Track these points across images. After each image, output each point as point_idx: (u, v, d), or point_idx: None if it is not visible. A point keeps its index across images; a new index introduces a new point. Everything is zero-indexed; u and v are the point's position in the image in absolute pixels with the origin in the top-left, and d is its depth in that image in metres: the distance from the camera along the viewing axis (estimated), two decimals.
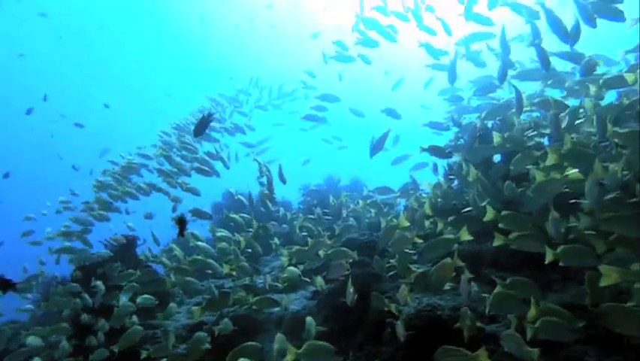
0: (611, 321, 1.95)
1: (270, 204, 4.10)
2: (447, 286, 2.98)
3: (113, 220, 5.24)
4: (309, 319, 3.09)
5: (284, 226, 5.28)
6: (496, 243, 2.71)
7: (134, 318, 3.44)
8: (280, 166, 4.17)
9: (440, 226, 3.25)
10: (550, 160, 2.71)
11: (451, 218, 3.36)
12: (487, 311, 2.36)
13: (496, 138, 3.43)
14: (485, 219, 2.87)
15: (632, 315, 1.86)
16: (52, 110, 28.90)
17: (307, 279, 3.69)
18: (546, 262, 2.36)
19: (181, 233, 2.55)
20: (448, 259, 2.60)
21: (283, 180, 4.13)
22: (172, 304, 3.89)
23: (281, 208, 7.45)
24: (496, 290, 2.35)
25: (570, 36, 3.13)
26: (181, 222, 2.53)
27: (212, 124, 5.98)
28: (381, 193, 5.13)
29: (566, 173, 2.50)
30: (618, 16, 3.26)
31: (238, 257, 3.58)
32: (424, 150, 4.00)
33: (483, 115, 4.07)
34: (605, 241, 2.35)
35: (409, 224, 3.20)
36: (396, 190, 5.03)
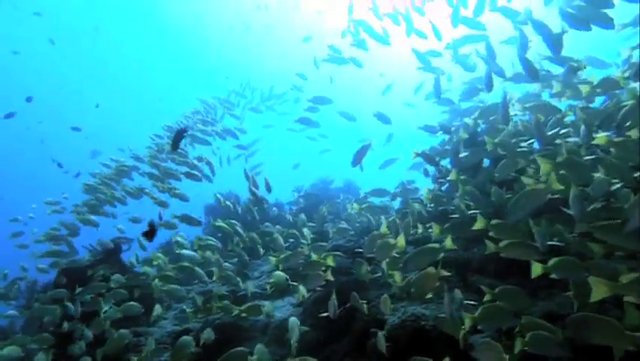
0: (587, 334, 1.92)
1: (255, 213, 4.08)
2: (433, 294, 2.98)
3: (102, 223, 5.20)
4: (292, 319, 3.07)
5: (277, 226, 5.26)
6: (488, 251, 2.67)
7: (109, 328, 3.38)
8: (266, 179, 4.17)
9: (436, 230, 3.24)
10: (543, 170, 2.68)
11: (446, 225, 3.34)
12: (467, 327, 2.31)
13: (489, 142, 3.41)
14: (475, 227, 2.85)
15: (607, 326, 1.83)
16: (52, 111, 28.89)
17: (295, 283, 3.66)
18: (533, 277, 2.32)
19: (150, 239, 2.59)
20: (432, 269, 2.58)
21: (268, 189, 4.12)
22: (157, 306, 3.81)
23: (274, 208, 7.44)
24: (483, 306, 2.30)
25: (554, 45, 3.12)
26: (150, 229, 2.58)
27: (204, 128, 5.98)
28: (376, 195, 5.09)
29: (550, 182, 2.47)
30: (607, 24, 3.25)
31: (221, 267, 3.54)
32: (417, 155, 4.06)
33: (476, 115, 4.07)
34: (603, 245, 2.33)
35: (390, 232, 3.18)
36: (392, 192, 4.98)
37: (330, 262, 3.13)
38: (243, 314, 3.47)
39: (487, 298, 2.49)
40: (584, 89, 3.32)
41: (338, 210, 6.91)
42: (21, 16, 22.93)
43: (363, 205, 4.86)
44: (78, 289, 3.72)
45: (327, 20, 17.86)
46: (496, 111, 3.89)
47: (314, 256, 3.27)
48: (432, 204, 4.18)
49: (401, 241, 2.90)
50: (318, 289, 3.28)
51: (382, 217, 4.45)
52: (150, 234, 2.63)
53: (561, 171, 2.63)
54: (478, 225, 2.82)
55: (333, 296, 2.79)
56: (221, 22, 25.18)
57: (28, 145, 28.25)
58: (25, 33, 24.55)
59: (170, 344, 3.58)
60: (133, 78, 29.70)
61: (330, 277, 3.07)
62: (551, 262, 2.27)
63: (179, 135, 3.11)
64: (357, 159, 3.56)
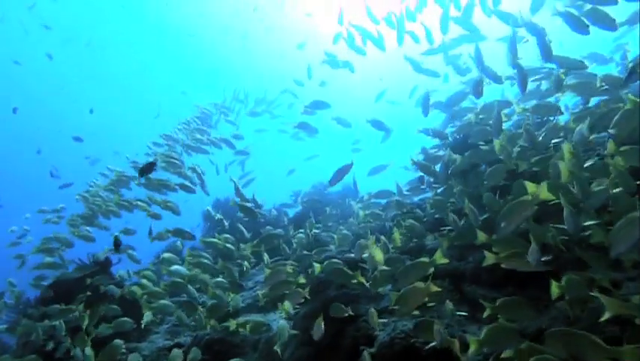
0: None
1: (245, 232, 4.05)
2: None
3: (96, 233, 5.18)
4: (282, 322, 3.03)
5: (279, 230, 5.20)
6: (487, 262, 2.59)
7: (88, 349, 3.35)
8: (253, 195, 4.15)
9: (445, 243, 3.19)
10: (564, 177, 2.58)
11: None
12: (472, 352, 2.21)
13: (497, 143, 3.33)
14: (478, 242, 2.78)
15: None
16: (51, 112, 29.06)
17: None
18: (553, 298, 2.26)
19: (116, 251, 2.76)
20: (420, 284, 2.50)
21: (257, 206, 4.09)
22: (148, 313, 3.72)
23: (273, 210, 7.42)
24: (487, 328, 2.19)
25: (544, 54, 3.06)
26: (116, 245, 2.78)
27: (200, 137, 5.96)
28: (380, 197, 4.94)
29: (537, 192, 2.38)
30: (610, 25, 3.17)
31: (209, 286, 3.50)
32: (414, 163, 4.03)
33: (478, 110, 4.00)
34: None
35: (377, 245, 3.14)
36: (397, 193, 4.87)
37: (302, 280, 3.10)
38: (240, 329, 3.44)
39: (487, 312, 2.39)
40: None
41: (337, 217, 6.86)
42: (21, 15, 22.99)
43: (367, 211, 4.80)
44: (61, 306, 3.67)
45: (322, 24, 17.85)
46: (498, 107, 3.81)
47: (317, 267, 3.23)
48: (432, 210, 4.12)
49: (379, 255, 2.86)
50: (309, 303, 3.23)
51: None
52: (115, 247, 2.84)
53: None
54: (480, 240, 2.75)
55: (319, 320, 2.73)
56: (219, 23, 25.24)
57: (27, 147, 28.43)
58: (24, 33, 24.61)
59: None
60: (132, 79, 29.83)
61: (307, 295, 3.04)
62: (565, 279, 2.21)
63: (148, 167, 3.20)
64: (337, 178, 3.47)
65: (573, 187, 2.47)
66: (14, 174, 30.30)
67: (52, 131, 26.97)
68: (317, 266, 3.26)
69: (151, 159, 3.29)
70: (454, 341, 2.33)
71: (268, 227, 5.76)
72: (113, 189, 5.29)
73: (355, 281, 3.03)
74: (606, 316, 1.87)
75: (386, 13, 5.16)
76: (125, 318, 3.70)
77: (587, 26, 3.15)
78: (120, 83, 29.53)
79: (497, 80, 3.81)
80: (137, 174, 5.42)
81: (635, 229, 1.69)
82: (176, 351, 3.27)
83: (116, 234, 2.82)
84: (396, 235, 3.38)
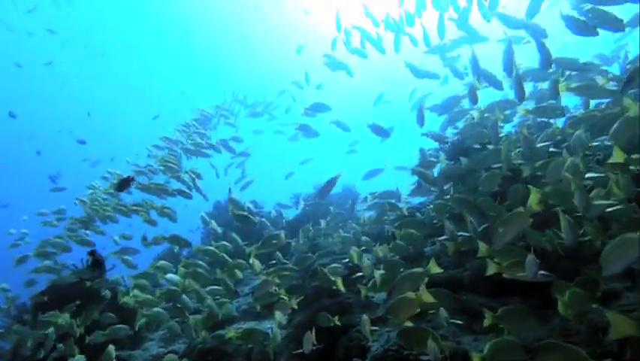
0: None
1: (239, 240, 4.02)
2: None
3: (94, 237, 5.16)
4: (276, 330, 3.02)
5: (280, 231, 5.14)
6: (489, 272, 2.53)
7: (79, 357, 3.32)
8: (249, 205, 4.12)
9: (451, 249, 3.14)
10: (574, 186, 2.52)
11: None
12: None
13: (504, 149, 3.27)
14: (479, 255, 2.73)
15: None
16: (52, 114, 29.13)
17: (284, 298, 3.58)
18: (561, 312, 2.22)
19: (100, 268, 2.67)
20: (411, 294, 2.45)
21: (252, 214, 4.06)
22: (142, 320, 3.70)
23: (273, 212, 7.38)
24: (491, 343, 2.12)
25: (543, 61, 3.01)
26: (97, 263, 2.83)
27: (200, 141, 5.93)
28: (384, 198, 4.78)
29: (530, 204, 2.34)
30: (616, 27, 3.10)
31: (201, 296, 3.47)
32: (415, 172, 4.00)
33: (483, 108, 3.96)
34: None
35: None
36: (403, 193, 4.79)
37: (283, 292, 3.09)
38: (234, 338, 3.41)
39: (488, 321, 2.34)
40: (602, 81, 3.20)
41: (341, 216, 6.80)
42: (23, 17, 23.00)
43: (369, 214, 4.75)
44: (48, 314, 3.64)
45: (322, 23, 17.79)
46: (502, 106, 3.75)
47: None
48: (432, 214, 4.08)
49: (366, 263, 2.83)
50: (304, 311, 3.20)
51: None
52: (98, 265, 2.84)
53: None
54: (481, 251, 2.70)
55: (308, 334, 2.69)
56: (219, 23, 25.25)
57: (27, 148, 28.52)
58: (25, 35, 24.64)
59: None
60: (133, 79, 29.87)
61: (295, 306, 3.03)
62: (566, 296, 2.17)
63: (125, 182, 3.18)
64: (325, 190, 3.42)
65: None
66: (14, 175, 30.42)
67: (52, 131, 27.05)
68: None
69: (129, 174, 3.27)
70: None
71: (270, 229, 5.69)
72: (112, 193, 5.28)
73: (335, 288, 3.01)
74: (613, 337, 1.81)
75: (384, 15, 5.10)
76: (120, 325, 3.68)
77: (594, 28, 3.08)
78: (120, 83, 29.60)
79: (497, 85, 3.75)
80: (137, 177, 5.41)
81: (630, 250, 1.62)
82: (170, 357, 3.23)
83: (94, 248, 2.79)
84: (377, 251, 3.33)
